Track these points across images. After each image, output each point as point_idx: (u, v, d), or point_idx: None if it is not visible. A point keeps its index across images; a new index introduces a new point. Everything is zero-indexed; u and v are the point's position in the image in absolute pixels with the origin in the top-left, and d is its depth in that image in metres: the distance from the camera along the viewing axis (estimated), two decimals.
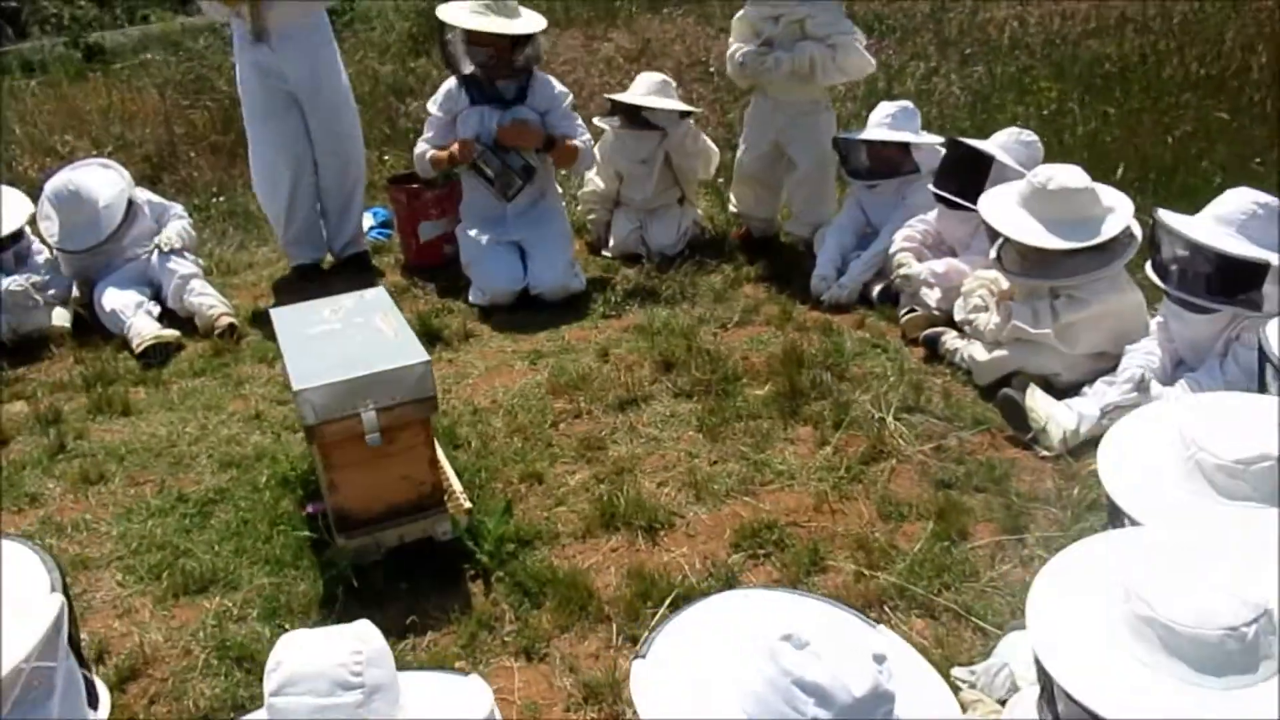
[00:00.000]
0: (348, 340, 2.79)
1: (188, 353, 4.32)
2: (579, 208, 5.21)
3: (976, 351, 3.50)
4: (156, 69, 8.07)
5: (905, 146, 4.22)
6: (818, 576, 2.68)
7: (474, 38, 4.37)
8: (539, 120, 4.52)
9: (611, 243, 4.98)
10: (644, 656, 1.45)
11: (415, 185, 4.88)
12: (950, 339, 3.69)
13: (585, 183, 5.12)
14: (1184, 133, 5.35)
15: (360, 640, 1.45)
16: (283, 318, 3.01)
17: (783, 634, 1.31)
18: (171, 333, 4.32)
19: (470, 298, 4.54)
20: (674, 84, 4.93)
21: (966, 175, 3.86)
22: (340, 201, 4.97)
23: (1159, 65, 6.60)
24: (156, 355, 4.22)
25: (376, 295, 3.13)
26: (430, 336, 4.20)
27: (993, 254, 3.52)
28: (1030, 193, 3.37)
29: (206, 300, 4.46)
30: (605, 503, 2.99)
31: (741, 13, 4.64)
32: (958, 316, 3.69)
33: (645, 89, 4.80)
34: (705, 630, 1.48)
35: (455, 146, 4.44)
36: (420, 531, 2.76)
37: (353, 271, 5.03)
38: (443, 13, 4.43)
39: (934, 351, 3.74)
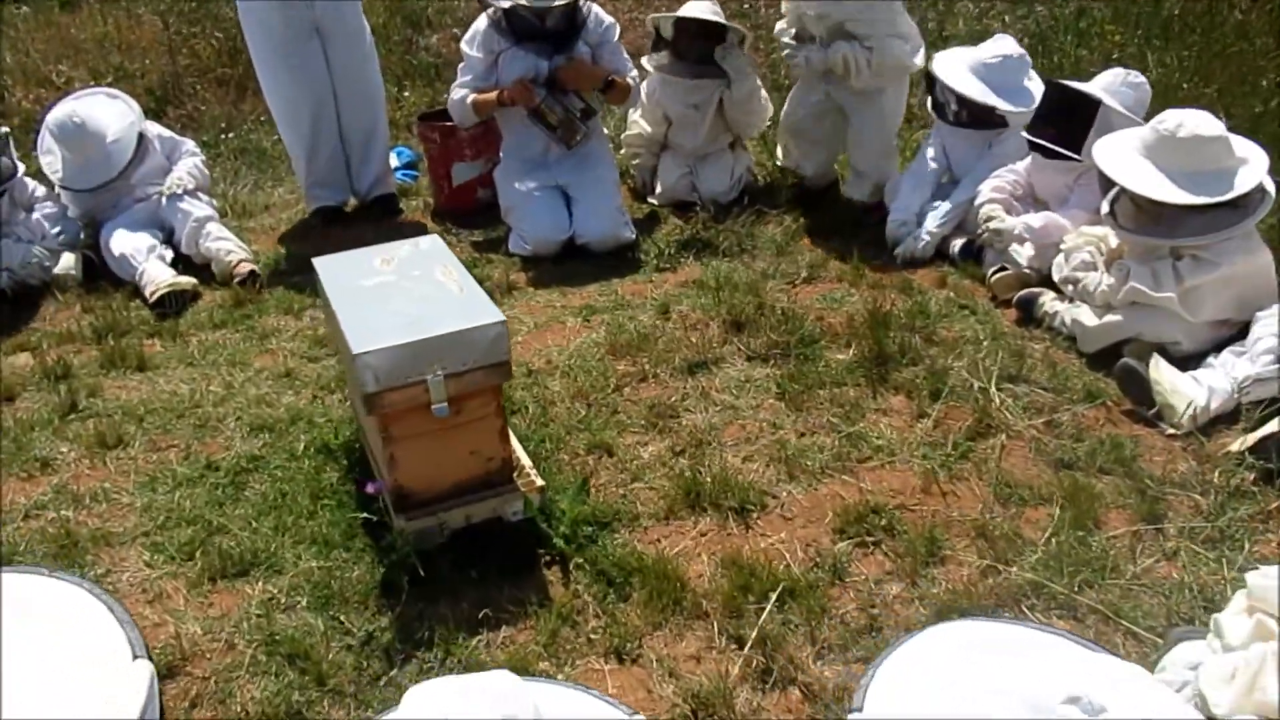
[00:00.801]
0: (407, 295, 2.46)
1: (205, 302, 3.97)
2: (622, 151, 4.85)
3: (1083, 315, 3.18)
4: None
5: None
6: (937, 569, 2.39)
7: None
8: (590, 55, 4.15)
9: (659, 189, 4.62)
10: (859, 710, 1.15)
11: (449, 123, 4.49)
12: (1049, 301, 3.37)
13: (629, 125, 4.75)
14: (1273, 81, 4.98)
15: (509, 702, 1.14)
16: (328, 268, 2.66)
17: (1067, 695, 1.01)
18: (188, 280, 3.97)
19: (510, 247, 4.19)
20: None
21: (1067, 121, 3.52)
22: (364, 138, 4.60)
23: (1229, 7, 6.21)
24: (172, 304, 3.88)
25: (432, 244, 2.78)
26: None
27: (1105, 208, 3.19)
28: (1155, 141, 3.03)
29: (224, 245, 4.10)
30: (688, 479, 2.69)
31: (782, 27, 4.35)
32: (1057, 276, 3.37)
33: (705, 10, 4.41)
34: (930, 678, 1.18)
35: (508, 91, 4.05)
36: (489, 511, 2.45)
37: (379, 215, 4.69)
38: None
39: (1028, 314, 3.42)
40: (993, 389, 3.01)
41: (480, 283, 3.76)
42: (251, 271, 4.02)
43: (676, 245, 4.17)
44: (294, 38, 4.28)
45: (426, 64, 6.52)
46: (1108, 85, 3.50)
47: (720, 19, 4.41)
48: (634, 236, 4.19)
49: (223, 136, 5.82)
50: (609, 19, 4.21)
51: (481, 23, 4.18)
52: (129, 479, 2.88)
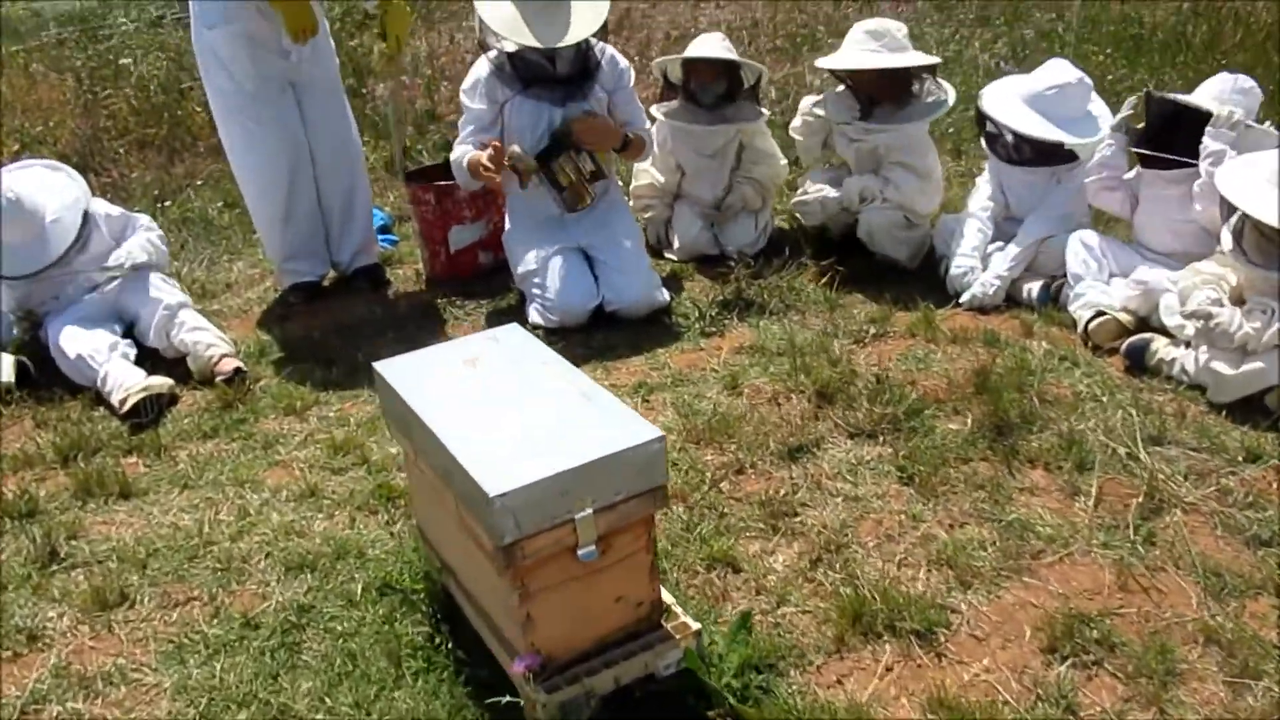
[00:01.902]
0: (522, 409, 1.99)
1: (185, 405, 3.39)
2: (630, 203, 4.43)
3: (1218, 363, 2.89)
4: (66, 51, 6.86)
5: None
6: (1179, 688, 2.02)
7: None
8: (604, 103, 3.73)
9: (677, 244, 4.22)
10: None
11: (444, 183, 4.01)
12: (1162, 347, 3.08)
13: (637, 174, 4.34)
14: None
15: None
16: (399, 376, 2.16)
17: None
18: (162, 381, 3.38)
19: (531, 318, 3.72)
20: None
21: (1174, 135, 3.26)
22: (344, 202, 4.08)
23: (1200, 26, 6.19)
24: (147, 411, 3.28)
25: (519, 337, 2.31)
26: None
27: (1226, 241, 2.92)
28: None
29: (203, 338, 3.52)
30: (848, 598, 2.26)
31: (814, 106, 4.00)
32: (1173, 319, 3.09)
33: (718, 47, 4.04)
34: None
35: (507, 151, 3.57)
36: (640, 668, 1.98)
37: (367, 289, 4.15)
38: (488, 11, 3.61)
39: (1138, 363, 3.12)
40: (1142, 454, 2.68)
41: None
42: (237, 369, 3.45)
43: (715, 306, 3.76)
44: (265, 91, 3.75)
45: (372, 118, 6.00)
46: (1219, 94, 3.25)
47: (733, 55, 4.05)
48: (669, 299, 3.77)
49: (159, 206, 5.18)
50: (624, 62, 3.80)
51: (482, 68, 3.73)
52: (147, 649, 2.31)
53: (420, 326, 3.82)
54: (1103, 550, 2.39)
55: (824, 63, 3.90)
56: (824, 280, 3.85)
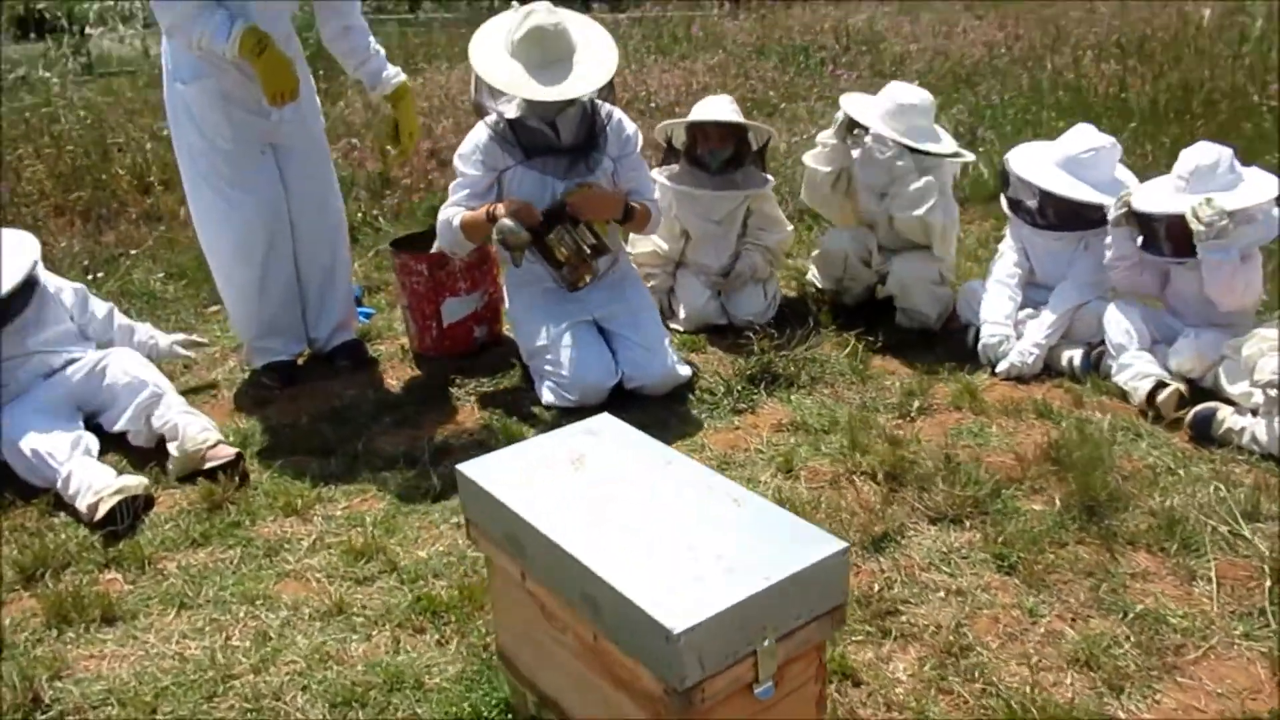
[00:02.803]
0: (669, 521, 1.70)
1: (164, 507, 2.96)
2: None
3: None
4: None
5: None
6: None
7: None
8: (610, 172, 3.49)
9: (683, 313, 3.99)
10: None
11: (435, 252, 3.70)
12: (1229, 416, 2.98)
13: (635, 241, 4.11)
14: None
15: None
16: (496, 481, 1.86)
17: None
18: (138, 481, 2.94)
19: (545, 398, 3.42)
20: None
21: (1175, 234, 3.21)
22: (324, 274, 3.73)
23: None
24: (122, 517, 2.85)
25: (616, 428, 2.04)
26: None
27: None
28: None
29: (195, 422, 3.11)
30: (996, 711, 2.03)
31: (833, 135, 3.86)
32: (1236, 387, 3.00)
33: (726, 110, 3.87)
34: None
35: (507, 205, 3.30)
36: None
37: (349, 368, 3.78)
38: (485, 68, 3.32)
39: (1204, 434, 3.01)
40: (1245, 531, 2.55)
41: None
42: (238, 455, 3.05)
43: (740, 379, 3.53)
44: (243, 152, 3.40)
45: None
46: (1185, 185, 3.18)
47: (741, 118, 3.89)
48: (690, 374, 3.52)
49: (92, 279, 4.69)
50: (632, 127, 3.57)
51: (481, 134, 3.45)
52: None
53: (421, 410, 3.47)
54: (1245, 642, 2.22)
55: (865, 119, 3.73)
56: (847, 350, 3.67)
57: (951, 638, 2.26)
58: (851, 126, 3.75)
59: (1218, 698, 2.07)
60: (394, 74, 3.61)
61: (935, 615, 2.34)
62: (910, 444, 3.02)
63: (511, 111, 3.42)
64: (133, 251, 4.97)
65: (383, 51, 3.63)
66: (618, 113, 3.54)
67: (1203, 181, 3.10)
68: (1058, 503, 2.70)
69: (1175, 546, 2.53)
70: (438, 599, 2.45)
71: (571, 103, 3.40)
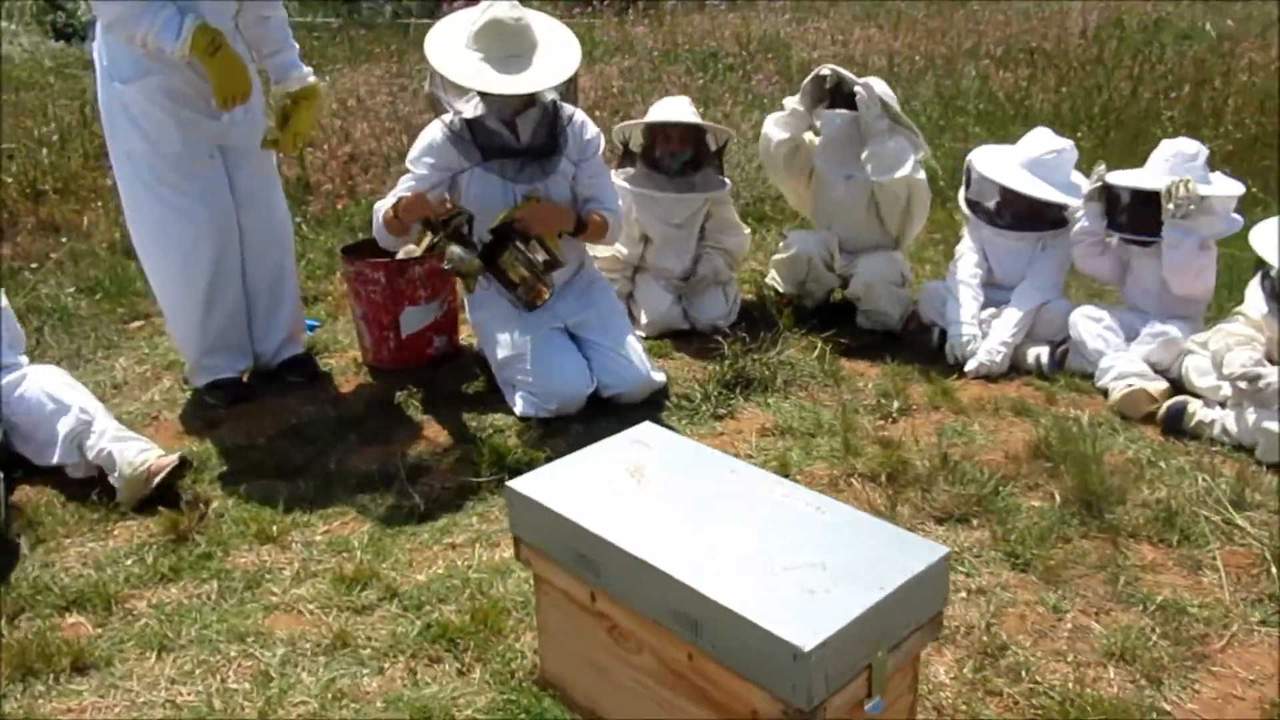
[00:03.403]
0: (755, 533, 1.63)
1: (121, 541, 2.71)
2: None
3: (1271, 423, 2.90)
4: None
5: None
6: None
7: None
8: (571, 176, 3.39)
9: (645, 319, 3.92)
10: None
11: (390, 258, 3.52)
12: (1199, 410, 3.09)
13: (593, 246, 4.00)
14: None
15: None
16: (556, 497, 1.75)
17: None
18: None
19: (520, 409, 3.29)
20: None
21: (1143, 213, 3.33)
22: (272, 283, 3.52)
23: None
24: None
25: (666, 437, 1.96)
26: (511, 471, 2.95)
27: (1258, 302, 2.97)
28: None
29: (129, 446, 2.86)
30: (1049, 709, 2.02)
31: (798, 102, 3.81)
32: (1203, 380, 3.11)
33: (685, 111, 3.82)
34: None
35: (405, 201, 3.12)
36: None
37: (302, 383, 3.57)
38: (443, 62, 3.16)
39: (1175, 427, 3.11)
40: (1239, 520, 2.63)
41: (520, 467, 2.97)
42: (181, 459, 2.85)
43: (712, 384, 3.47)
44: (192, 157, 3.18)
45: None
46: (1169, 167, 3.32)
47: (698, 119, 3.85)
48: (665, 380, 3.45)
49: None
50: (594, 130, 3.46)
51: (435, 133, 3.31)
52: None
53: (387, 426, 3.29)
54: (1264, 628, 2.28)
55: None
56: (815, 353, 3.66)
57: (985, 638, 2.25)
58: (819, 97, 3.74)
59: (1251, 685, 2.12)
60: (304, 72, 3.36)
61: (963, 615, 2.33)
62: (903, 444, 3.02)
63: (469, 110, 3.28)
64: (34, 265, 4.60)
65: (297, 48, 3.42)
66: (579, 114, 3.45)
67: (1182, 168, 3.23)
68: (1057, 498, 2.74)
69: (1176, 537, 2.59)
70: (449, 625, 2.31)
71: (532, 102, 3.29)
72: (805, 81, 3.80)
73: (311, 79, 3.38)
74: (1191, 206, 3.17)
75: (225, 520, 2.79)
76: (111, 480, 2.84)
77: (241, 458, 3.10)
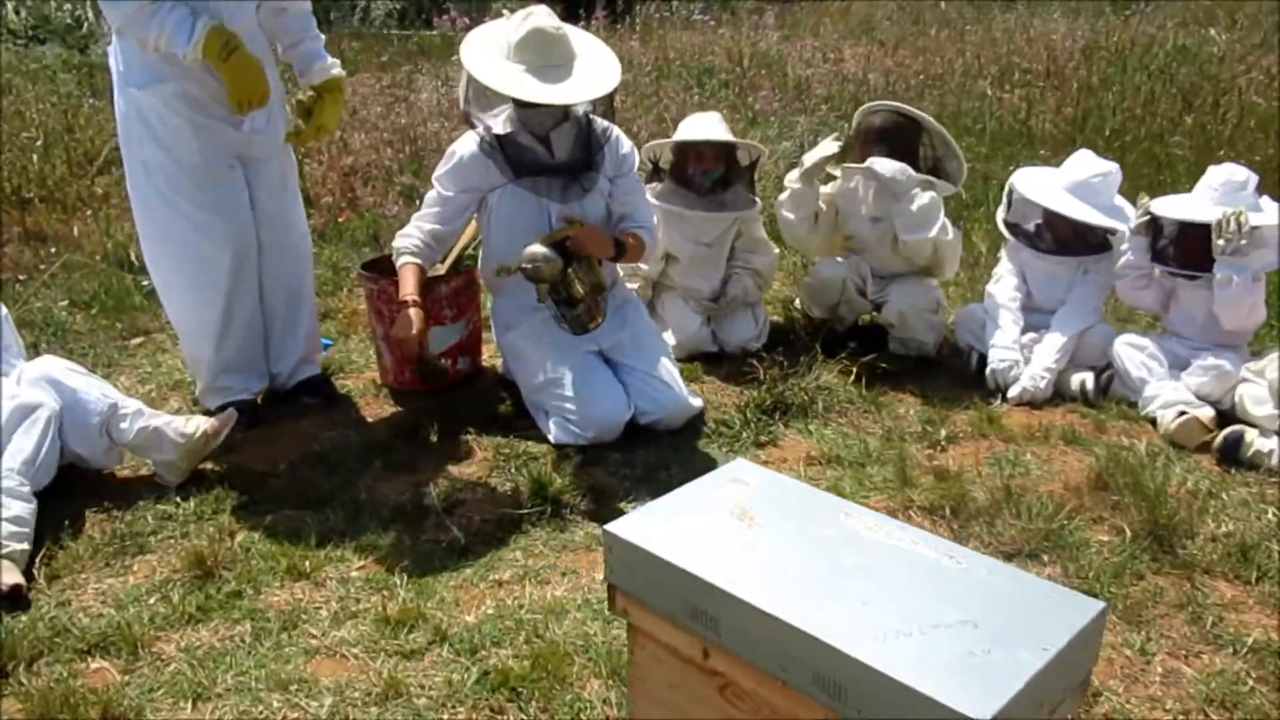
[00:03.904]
0: (891, 585, 1.51)
1: (141, 577, 2.54)
2: None
3: None
4: None
5: None
6: None
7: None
8: (606, 194, 3.27)
9: (674, 341, 3.77)
10: None
11: (428, 277, 3.36)
12: (1255, 439, 3.02)
13: None
14: None
15: None
16: (663, 543, 1.61)
17: None
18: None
19: (555, 436, 3.15)
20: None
21: (1189, 244, 3.27)
22: (290, 300, 3.36)
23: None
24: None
25: (765, 476, 1.83)
26: (553, 503, 2.81)
27: None
28: None
29: (171, 419, 2.86)
30: None
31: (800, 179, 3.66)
32: (1260, 409, 3.06)
33: (717, 128, 3.70)
34: None
35: (524, 254, 2.99)
36: None
37: (318, 406, 3.41)
38: (484, 73, 3.01)
39: (1231, 457, 3.04)
40: None
41: (559, 494, 2.83)
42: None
43: (751, 410, 3.36)
44: (212, 167, 3.02)
45: None
46: (1217, 197, 3.23)
47: (730, 136, 3.74)
48: (702, 405, 3.33)
49: None
50: (629, 145, 3.34)
51: (467, 147, 3.17)
52: None
53: (412, 452, 3.14)
54: None
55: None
56: (852, 379, 3.55)
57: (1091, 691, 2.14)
58: (822, 168, 3.63)
59: None
60: (329, 64, 3.20)
61: None
62: (960, 475, 2.91)
63: (500, 126, 3.15)
64: (21, 278, 4.38)
65: (322, 38, 3.26)
66: (615, 129, 3.33)
67: (1232, 197, 3.15)
68: (1127, 532, 2.65)
69: (1254, 574, 2.51)
70: (509, 672, 2.17)
71: (566, 116, 3.17)
72: (856, 124, 3.70)
73: (337, 70, 3.23)
74: (1243, 241, 3.10)
75: (253, 554, 2.61)
76: (164, 455, 2.81)
77: (263, 486, 2.93)
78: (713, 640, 1.56)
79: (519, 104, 3.06)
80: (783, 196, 3.79)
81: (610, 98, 3.27)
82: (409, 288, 3.05)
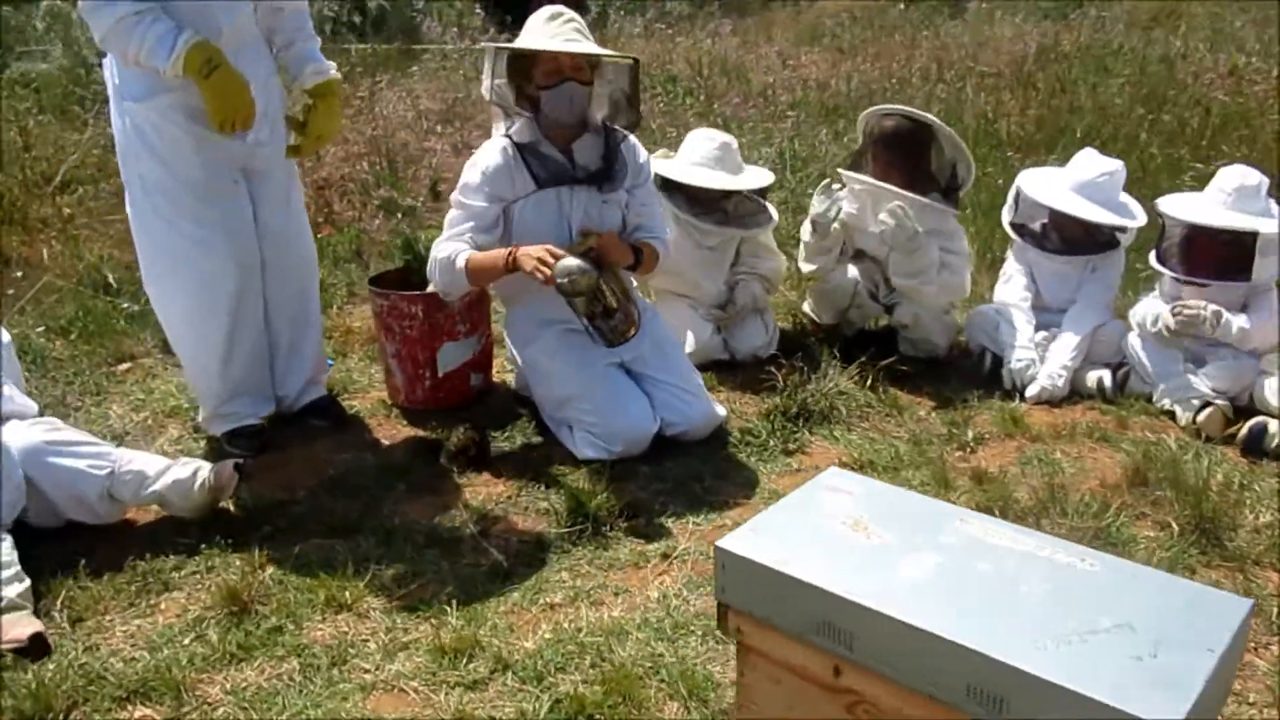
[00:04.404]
0: (1031, 592, 1.46)
1: (171, 616, 2.40)
2: None
3: None
4: None
5: None
6: None
7: (562, 63, 2.97)
8: (624, 204, 3.20)
9: (686, 349, 3.71)
10: None
11: (429, 290, 3.26)
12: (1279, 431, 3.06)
13: None
14: None
15: None
16: (782, 558, 1.56)
17: None
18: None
19: (582, 452, 3.07)
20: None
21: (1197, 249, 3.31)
22: (296, 319, 3.23)
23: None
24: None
25: (864, 484, 1.78)
26: (593, 522, 2.73)
27: None
28: None
29: (173, 474, 2.66)
30: None
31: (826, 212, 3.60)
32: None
33: (722, 158, 3.64)
34: None
35: (527, 256, 2.87)
36: None
37: (328, 428, 3.28)
38: (521, 40, 2.98)
39: (1256, 448, 3.07)
40: None
41: (596, 511, 2.74)
42: (236, 464, 2.70)
43: (776, 418, 3.31)
44: (215, 183, 2.89)
45: None
46: (1239, 204, 3.26)
47: (736, 181, 3.65)
48: (726, 414, 3.27)
49: None
50: (644, 154, 3.27)
51: (493, 156, 3.07)
52: None
53: (433, 473, 3.03)
54: None
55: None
56: (868, 383, 3.52)
57: None
58: (829, 225, 3.61)
59: None
60: (323, 65, 3.05)
61: None
62: (999, 477, 2.90)
63: (523, 134, 3.07)
64: None
65: (318, 40, 3.12)
66: (631, 137, 3.26)
67: (1246, 201, 3.18)
68: (1174, 527, 2.65)
69: None
70: (583, 699, 2.08)
71: (586, 127, 3.11)
72: (865, 128, 3.69)
73: (332, 73, 3.09)
74: (1217, 330, 3.20)
75: (287, 587, 2.49)
76: (174, 503, 2.69)
77: (284, 514, 2.80)
78: (846, 656, 1.50)
79: (545, 87, 2.98)
80: (802, 254, 3.78)
81: (636, 103, 3.19)
82: (499, 252, 2.94)
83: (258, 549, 2.62)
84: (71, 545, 2.59)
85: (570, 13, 2.98)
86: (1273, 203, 3.30)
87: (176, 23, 2.63)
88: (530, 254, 2.86)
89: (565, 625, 2.35)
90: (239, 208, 2.95)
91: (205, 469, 2.65)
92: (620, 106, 3.18)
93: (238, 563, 2.57)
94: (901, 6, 11.58)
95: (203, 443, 3.21)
